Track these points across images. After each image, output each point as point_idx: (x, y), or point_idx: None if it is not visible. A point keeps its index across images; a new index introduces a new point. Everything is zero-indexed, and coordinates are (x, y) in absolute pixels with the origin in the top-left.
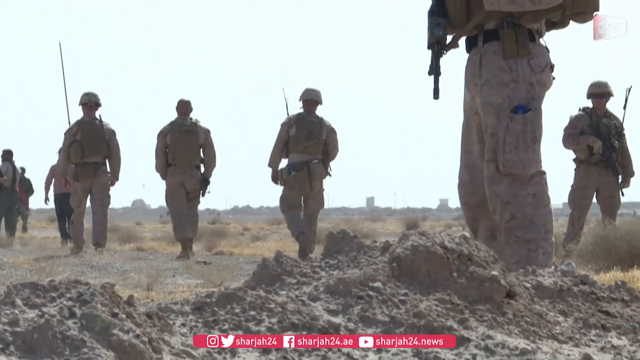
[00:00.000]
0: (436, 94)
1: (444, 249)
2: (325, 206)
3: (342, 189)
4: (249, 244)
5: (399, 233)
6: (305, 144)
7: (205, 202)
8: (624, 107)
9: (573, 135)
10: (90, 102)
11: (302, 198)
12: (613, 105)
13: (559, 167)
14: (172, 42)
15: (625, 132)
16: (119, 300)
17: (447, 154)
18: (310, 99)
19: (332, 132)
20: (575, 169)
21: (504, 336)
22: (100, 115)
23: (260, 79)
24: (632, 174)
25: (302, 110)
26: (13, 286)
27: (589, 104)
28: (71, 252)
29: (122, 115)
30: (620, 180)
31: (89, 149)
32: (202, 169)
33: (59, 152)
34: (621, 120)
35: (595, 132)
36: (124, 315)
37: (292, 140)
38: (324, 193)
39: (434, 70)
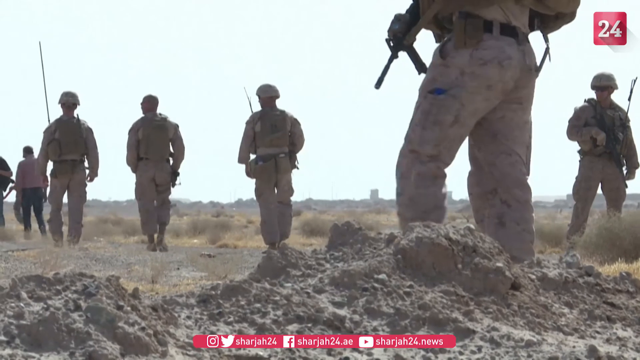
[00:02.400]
0: (378, 84)
1: (449, 241)
2: (330, 198)
3: (346, 181)
4: (253, 237)
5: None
6: (271, 137)
7: (210, 195)
8: (629, 99)
9: (577, 126)
10: (68, 102)
11: (274, 186)
12: (618, 97)
13: (563, 159)
14: (176, 34)
15: (631, 123)
16: (124, 293)
17: None
18: (269, 96)
19: (295, 123)
20: (579, 161)
21: (509, 328)
22: (77, 115)
23: (267, 74)
24: (636, 165)
25: (260, 106)
26: (18, 279)
27: (593, 95)
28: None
29: (125, 110)
30: (624, 172)
31: (67, 147)
32: (172, 162)
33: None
34: (626, 112)
35: (599, 124)
36: (129, 308)
37: (258, 136)
38: (292, 184)
39: (387, 62)
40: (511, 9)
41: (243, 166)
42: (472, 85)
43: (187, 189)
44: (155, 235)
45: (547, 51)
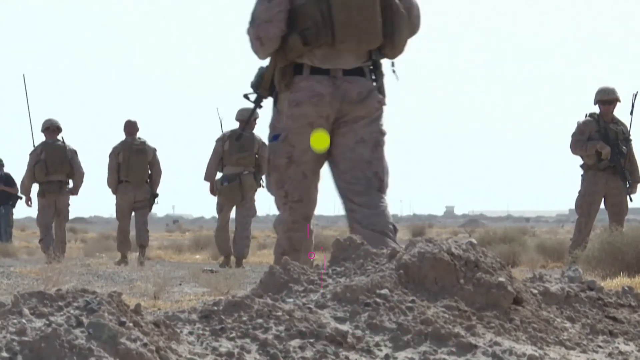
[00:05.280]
0: (238, 138)
1: (451, 256)
2: (332, 214)
3: None
4: (255, 252)
5: (406, 240)
6: (238, 156)
7: (212, 211)
8: (631, 113)
9: (581, 141)
10: (52, 127)
11: (235, 206)
12: (620, 111)
13: (565, 174)
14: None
15: (632, 137)
16: (126, 309)
17: (453, 161)
18: (243, 119)
19: (263, 145)
20: (582, 175)
21: (512, 343)
22: (62, 137)
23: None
24: (638, 179)
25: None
26: (20, 295)
27: (595, 109)
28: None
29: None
30: (627, 186)
31: (53, 167)
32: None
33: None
34: (628, 126)
35: (603, 138)
36: (131, 324)
37: (226, 154)
38: (255, 203)
39: (248, 116)
40: (321, 56)
41: (208, 183)
42: (295, 126)
43: (189, 205)
44: (134, 253)
45: (379, 77)
